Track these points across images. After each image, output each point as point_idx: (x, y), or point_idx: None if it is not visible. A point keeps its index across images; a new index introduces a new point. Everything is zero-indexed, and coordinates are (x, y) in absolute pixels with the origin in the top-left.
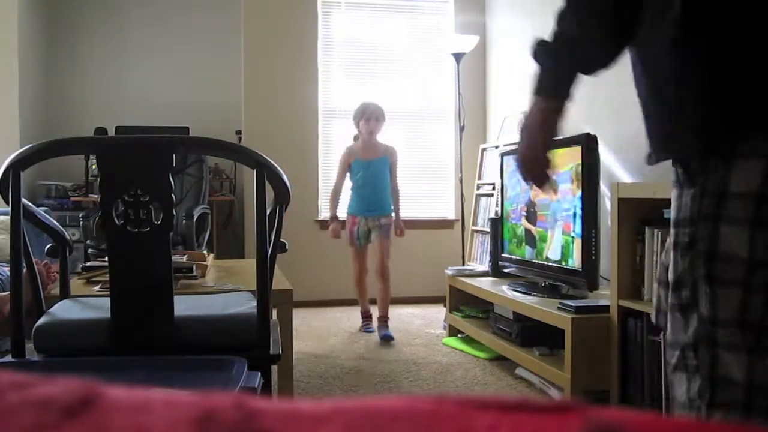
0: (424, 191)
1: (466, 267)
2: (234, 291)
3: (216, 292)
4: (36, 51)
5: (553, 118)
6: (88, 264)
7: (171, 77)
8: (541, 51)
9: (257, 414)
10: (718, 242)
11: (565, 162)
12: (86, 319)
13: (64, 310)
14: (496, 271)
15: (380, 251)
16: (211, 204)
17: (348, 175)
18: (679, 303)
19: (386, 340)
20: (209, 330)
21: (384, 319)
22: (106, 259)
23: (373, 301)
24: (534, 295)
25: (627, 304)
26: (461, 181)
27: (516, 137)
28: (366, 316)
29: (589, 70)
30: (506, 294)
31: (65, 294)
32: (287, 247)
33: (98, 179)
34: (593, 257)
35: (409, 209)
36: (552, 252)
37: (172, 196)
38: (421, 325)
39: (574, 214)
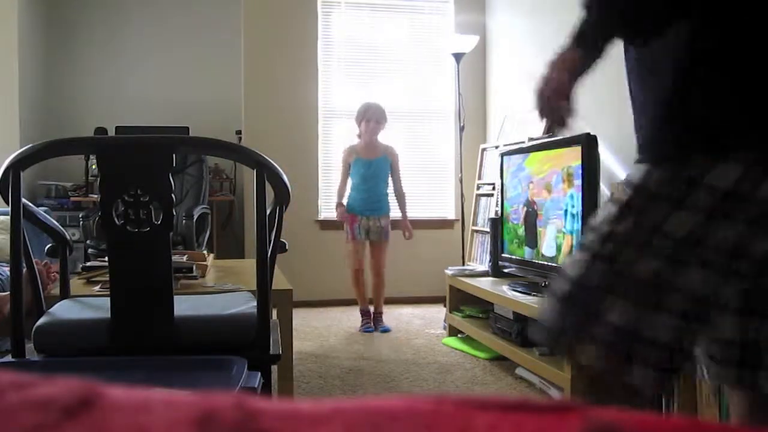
0: (424, 191)
1: (466, 267)
2: (234, 291)
3: (216, 292)
4: (36, 51)
5: (583, 66)
6: (88, 264)
7: (171, 77)
8: (596, 2)
9: (257, 414)
10: (667, 221)
11: (563, 162)
12: (86, 319)
13: (64, 310)
14: (496, 271)
15: (379, 251)
16: (211, 204)
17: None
18: (598, 252)
19: (384, 332)
20: (209, 330)
21: (379, 314)
22: (106, 259)
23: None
24: (534, 295)
25: None
26: (461, 181)
27: (514, 138)
28: (365, 314)
29: (633, 35)
30: (506, 294)
31: (65, 294)
32: (287, 247)
33: (98, 179)
34: None
35: (409, 209)
36: (546, 249)
37: (172, 196)
38: (421, 325)
39: (565, 212)
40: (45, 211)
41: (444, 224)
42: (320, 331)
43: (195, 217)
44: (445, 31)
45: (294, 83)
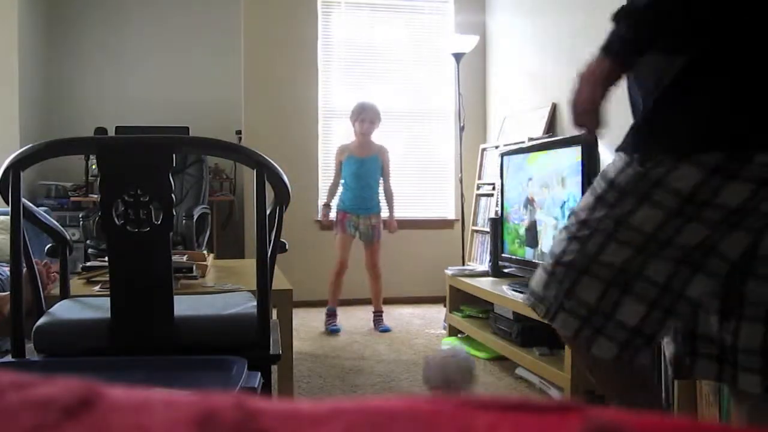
0: (424, 191)
1: (466, 267)
2: (234, 291)
3: (216, 292)
4: (36, 51)
5: (613, 77)
6: (88, 264)
7: (171, 77)
8: (626, 16)
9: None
10: (634, 215)
11: (563, 162)
12: (86, 319)
13: (64, 310)
14: (496, 271)
15: (372, 251)
16: (211, 204)
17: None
18: (577, 234)
19: (384, 332)
20: (209, 330)
21: (379, 314)
22: (106, 259)
23: (362, 302)
24: None
25: None
26: (461, 181)
27: (514, 138)
28: (332, 315)
29: (661, 51)
30: (506, 294)
31: (65, 294)
32: (287, 247)
33: (98, 179)
34: None
35: (409, 209)
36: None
37: (172, 196)
38: (421, 325)
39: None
40: (45, 211)
41: (444, 224)
42: (320, 331)
43: (195, 217)
44: (445, 31)
45: (294, 83)
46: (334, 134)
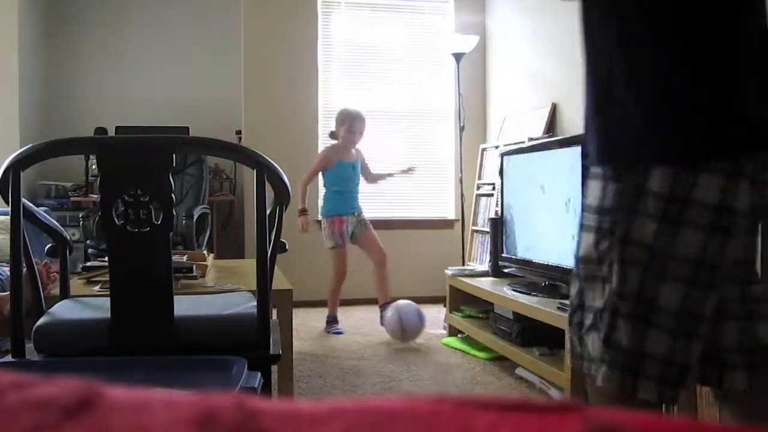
0: (424, 191)
1: (466, 267)
2: (234, 291)
3: (216, 292)
4: (36, 51)
5: None
6: (88, 264)
7: (171, 77)
8: None
9: (257, 414)
10: (631, 229)
11: (564, 161)
12: (86, 319)
13: (64, 310)
14: (496, 271)
15: (372, 239)
16: (211, 204)
17: (323, 174)
18: (600, 276)
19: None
20: (209, 330)
21: (388, 305)
22: (106, 259)
23: (362, 302)
24: (534, 295)
25: None
26: (461, 181)
27: (514, 138)
28: (333, 321)
29: None
30: (506, 294)
31: (65, 294)
32: (287, 247)
33: (98, 179)
34: None
35: (409, 209)
36: (546, 249)
37: (172, 196)
38: None
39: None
40: (45, 211)
41: (444, 224)
42: (320, 331)
43: (195, 217)
44: (445, 31)
45: (294, 83)
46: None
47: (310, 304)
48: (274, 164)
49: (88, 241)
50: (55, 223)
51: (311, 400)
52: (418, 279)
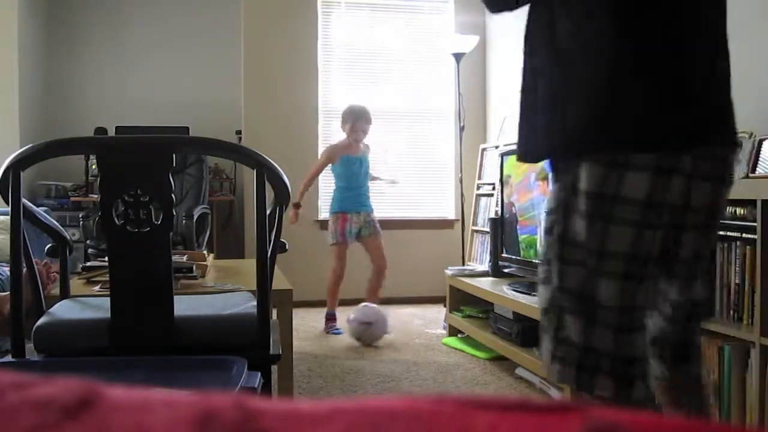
0: (424, 191)
1: (466, 267)
2: (234, 291)
3: (216, 292)
4: (36, 51)
5: None
6: (88, 264)
7: (171, 77)
8: None
9: (257, 414)
10: (568, 229)
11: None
12: (86, 319)
13: (64, 310)
14: (496, 271)
15: (377, 246)
16: (211, 204)
17: (332, 170)
18: (543, 276)
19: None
20: (209, 330)
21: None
22: (106, 259)
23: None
24: (534, 295)
25: None
26: (461, 181)
27: (514, 138)
28: (332, 318)
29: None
30: (506, 294)
31: (65, 294)
32: (287, 247)
33: (98, 179)
34: None
35: (409, 209)
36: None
37: (172, 196)
38: (421, 325)
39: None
40: (45, 211)
41: (444, 224)
42: (320, 331)
43: (195, 217)
44: (445, 31)
45: (294, 83)
46: (334, 134)
47: (310, 304)
48: (274, 164)
49: (88, 241)
50: (55, 223)
51: (311, 400)
52: (418, 279)
